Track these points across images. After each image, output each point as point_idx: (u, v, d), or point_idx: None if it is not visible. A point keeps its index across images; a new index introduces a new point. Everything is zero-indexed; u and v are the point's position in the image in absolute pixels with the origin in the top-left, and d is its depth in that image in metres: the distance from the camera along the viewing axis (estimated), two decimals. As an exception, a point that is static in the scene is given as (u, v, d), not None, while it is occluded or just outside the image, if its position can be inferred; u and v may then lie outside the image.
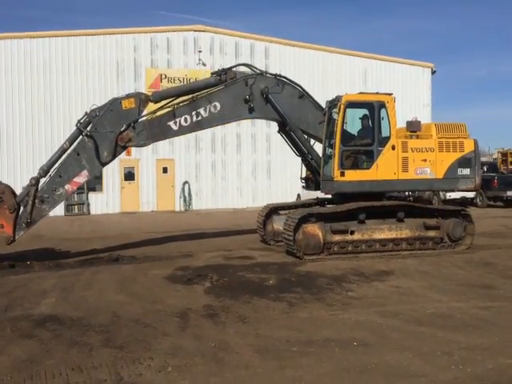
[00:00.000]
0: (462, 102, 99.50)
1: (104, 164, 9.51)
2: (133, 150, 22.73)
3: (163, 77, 22.89)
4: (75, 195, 21.68)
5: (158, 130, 9.81)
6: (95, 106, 9.51)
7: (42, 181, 9.24)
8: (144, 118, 9.69)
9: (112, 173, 22.32)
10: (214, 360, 4.51)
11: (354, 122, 10.35)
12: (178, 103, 10.01)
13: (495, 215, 17.45)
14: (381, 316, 5.77)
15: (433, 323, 5.48)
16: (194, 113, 9.89)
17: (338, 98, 9.95)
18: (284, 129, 10.89)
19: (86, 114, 9.47)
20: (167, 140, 22.74)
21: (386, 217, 9.83)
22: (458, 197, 18.54)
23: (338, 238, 9.46)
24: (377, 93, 10.33)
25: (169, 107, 9.96)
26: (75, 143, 9.36)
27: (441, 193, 18.77)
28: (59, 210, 21.29)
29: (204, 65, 23.36)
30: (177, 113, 9.83)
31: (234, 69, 10.43)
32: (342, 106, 9.67)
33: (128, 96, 9.72)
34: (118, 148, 9.49)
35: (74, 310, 6.12)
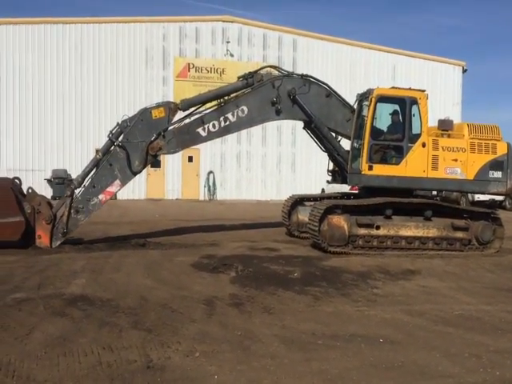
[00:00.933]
0: (494, 101, 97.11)
1: (136, 173, 9.66)
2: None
3: (191, 66, 23.04)
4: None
5: (188, 137, 9.90)
6: (126, 117, 9.68)
7: (77, 191, 9.49)
8: (173, 127, 9.79)
9: (139, 159, 22.63)
10: (241, 348, 4.57)
11: (383, 116, 10.24)
12: (206, 109, 10.12)
13: (525, 219, 17.05)
14: (407, 314, 5.74)
15: (461, 325, 5.43)
16: (222, 118, 9.95)
17: (369, 91, 9.86)
18: (309, 126, 10.87)
19: (118, 124, 9.64)
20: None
21: (413, 214, 9.72)
22: (487, 199, 18.19)
23: (363, 231, 9.41)
24: (409, 88, 10.18)
25: (197, 114, 10.07)
26: (108, 154, 9.55)
27: (469, 194, 18.46)
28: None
29: (232, 55, 23.41)
30: (205, 119, 9.92)
31: (260, 71, 10.46)
32: (373, 100, 9.58)
33: (158, 105, 9.84)
34: (149, 157, 9.64)
35: (103, 291, 6.25)
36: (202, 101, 10.31)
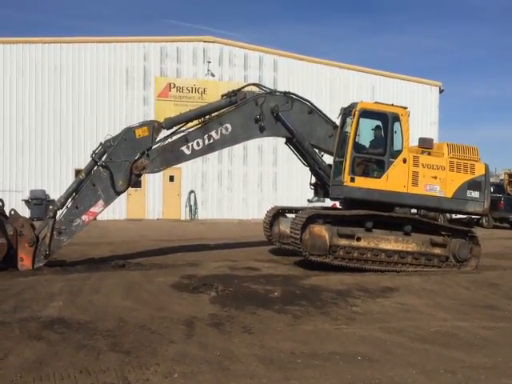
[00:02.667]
0: (469, 121, 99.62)
1: (119, 193, 9.63)
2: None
3: (172, 86, 23.16)
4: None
5: (172, 156, 9.94)
6: (109, 136, 9.69)
7: (59, 213, 9.41)
8: (157, 145, 9.83)
9: (119, 179, 22.51)
10: (220, 368, 4.56)
11: (366, 129, 10.44)
12: (189, 127, 10.19)
13: (501, 236, 17.45)
14: (385, 332, 5.80)
15: (437, 341, 5.51)
16: (206, 136, 10.03)
17: (353, 105, 10.06)
18: (291, 141, 11.04)
19: (101, 144, 9.64)
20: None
21: (393, 228, 9.86)
22: (464, 216, 18.54)
23: (344, 242, 9.49)
24: (392, 104, 10.40)
25: (181, 132, 10.14)
26: (91, 174, 9.52)
27: (446, 212, 18.78)
28: (65, 215, 21.55)
29: (213, 75, 23.62)
30: (189, 137, 9.98)
31: (244, 89, 10.60)
32: (356, 113, 9.78)
33: (141, 124, 9.87)
34: (133, 176, 9.64)
35: (81, 313, 6.18)
36: (186, 119, 10.38)
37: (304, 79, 24.37)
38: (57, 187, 21.47)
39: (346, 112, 10.28)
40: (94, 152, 9.59)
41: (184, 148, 9.94)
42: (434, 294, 7.87)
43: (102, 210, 9.68)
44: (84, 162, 20.46)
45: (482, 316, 6.63)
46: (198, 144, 9.99)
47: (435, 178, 10.03)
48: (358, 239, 9.56)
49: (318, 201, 12.60)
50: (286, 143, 11.44)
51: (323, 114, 10.98)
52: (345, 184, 9.68)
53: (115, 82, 22.64)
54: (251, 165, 24.26)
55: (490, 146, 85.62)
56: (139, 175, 9.84)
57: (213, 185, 23.80)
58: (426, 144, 10.31)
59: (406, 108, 10.18)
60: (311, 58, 25.10)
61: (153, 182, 22.91)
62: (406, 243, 9.77)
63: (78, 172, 21.91)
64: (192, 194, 23.29)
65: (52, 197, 21.37)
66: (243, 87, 10.82)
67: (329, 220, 9.53)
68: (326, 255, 9.36)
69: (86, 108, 22.17)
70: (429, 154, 10.24)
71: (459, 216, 18.46)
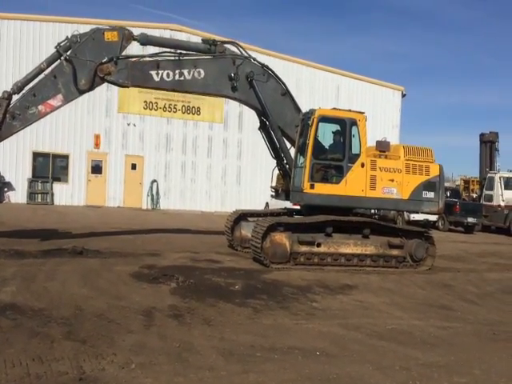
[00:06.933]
0: (430, 126, 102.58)
1: (81, 91, 9.49)
2: (101, 143, 22.49)
3: (137, 71, 22.65)
4: (39, 184, 21.19)
5: (140, 75, 9.90)
6: (77, 32, 9.51)
7: (15, 97, 9.12)
8: (127, 59, 9.79)
9: (79, 164, 21.92)
10: (179, 360, 4.50)
11: (325, 136, 10.55)
12: (163, 54, 10.20)
13: (456, 240, 18.04)
14: (343, 328, 5.89)
15: (393, 338, 5.64)
16: (177, 71, 10.04)
17: (311, 111, 10.12)
18: (265, 127, 11.05)
19: (67, 38, 9.43)
20: (137, 136, 22.84)
21: (352, 232, 10.02)
22: (421, 219, 19.06)
23: (304, 248, 9.59)
24: (349, 110, 10.53)
25: (154, 56, 10.10)
26: (53, 65, 9.32)
27: (405, 214, 19.27)
28: (21, 198, 20.80)
29: (179, 62, 23.30)
30: (161, 65, 9.97)
31: (225, 45, 10.60)
32: (315, 120, 9.84)
33: (112, 28, 9.79)
34: (97, 79, 9.54)
35: (35, 300, 5.98)
36: (161, 43, 10.40)
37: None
38: (12, 169, 20.73)
39: (305, 117, 10.32)
40: (58, 44, 9.40)
41: (153, 73, 9.91)
42: (391, 293, 8.05)
43: (60, 105, 9.50)
44: (42, 144, 19.77)
45: (437, 316, 6.83)
46: (168, 75, 9.99)
47: (392, 180, 10.24)
48: (319, 245, 9.67)
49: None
50: (259, 129, 11.41)
51: (295, 101, 11.02)
52: (304, 191, 9.76)
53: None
54: (215, 157, 24.11)
55: (449, 151, 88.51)
56: (103, 80, 9.71)
57: (176, 175, 23.52)
58: (382, 147, 10.48)
59: (363, 113, 10.32)
60: (278, 53, 25.06)
61: (114, 169, 22.46)
62: (364, 246, 9.96)
63: (35, 155, 21.37)
64: (154, 184, 22.95)
65: (7, 179, 20.62)
66: (225, 42, 10.76)
67: (289, 227, 9.57)
68: (286, 262, 9.41)
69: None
70: (386, 157, 10.42)
71: (417, 218, 18.96)
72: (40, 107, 9.11)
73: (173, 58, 10.13)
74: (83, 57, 9.35)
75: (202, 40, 10.71)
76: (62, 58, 9.27)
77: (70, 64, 9.26)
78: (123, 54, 9.95)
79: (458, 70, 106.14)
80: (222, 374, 4.29)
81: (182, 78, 10.06)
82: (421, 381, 4.48)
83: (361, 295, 7.72)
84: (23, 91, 9.21)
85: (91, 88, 9.59)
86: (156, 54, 10.30)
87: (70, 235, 11.53)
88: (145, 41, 10.10)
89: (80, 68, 9.32)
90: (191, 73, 10.09)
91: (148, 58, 10.09)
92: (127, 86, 10.28)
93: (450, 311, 7.19)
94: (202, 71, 10.16)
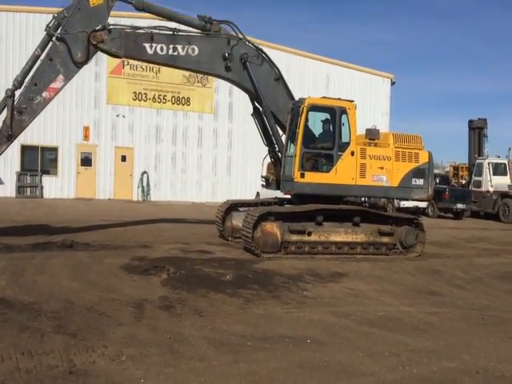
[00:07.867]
0: (419, 114, 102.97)
1: (79, 65, 9.41)
2: (91, 135, 22.29)
3: (126, 63, 22.40)
4: (28, 177, 21.01)
5: (133, 46, 9.83)
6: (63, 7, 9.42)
7: (18, 92, 9.04)
8: (121, 29, 9.79)
9: (68, 157, 21.75)
10: (169, 351, 4.51)
11: (314, 125, 10.53)
12: (157, 27, 10.12)
13: (445, 226, 18.20)
14: (334, 316, 5.92)
15: (383, 325, 5.68)
16: (171, 46, 9.99)
17: (301, 101, 10.10)
18: (258, 113, 11.03)
19: (54, 17, 9.33)
20: (127, 128, 22.68)
21: (342, 220, 10.06)
22: (411, 206, 19.17)
23: (295, 237, 9.61)
24: (339, 99, 10.51)
25: (148, 28, 10.02)
26: (47, 49, 9.21)
27: (395, 201, 19.36)
28: (10, 191, 20.61)
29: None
30: (155, 37, 9.92)
31: (220, 24, 10.52)
32: (304, 109, 9.82)
33: None
34: (91, 47, 9.45)
35: (24, 294, 5.94)
36: (157, 11, 10.29)
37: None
38: (1, 162, 20.52)
39: (295, 107, 10.29)
40: (47, 26, 9.30)
41: (147, 45, 9.85)
42: (381, 280, 8.11)
43: (64, 85, 9.43)
44: (31, 136, 19.54)
45: (426, 302, 6.89)
46: (161, 49, 9.94)
47: (382, 168, 10.27)
48: (309, 234, 9.70)
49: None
50: (252, 115, 11.37)
51: (288, 87, 10.98)
52: (295, 180, 9.76)
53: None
54: (206, 147, 24.04)
55: (438, 138, 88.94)
56: (97, 48, 9.63)
57: (166, 166, 23.42)
58: (372, 135, 10.49)
59: (352, 101, 10.31)
60: (267, 42, 24.89)
61: (104, 161, 22.32)
62: (355, 234, 10.01)
63: (23, 148, 21.13)
64: (145, 175, 22.86)
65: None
66: (221, 22, 10.68)
67: (280, 217, 9.58)
68: (277, 251, 9.44)
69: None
70: (375, 145, 10.44)
71: (407, 205, 19.08)
72: (44, 94, 9.03)
73: (167, 32, 10.06)
74: (74, 30, 9.23)
75: (198, 16, 10.57)
76: (54, 38, 9.15)
77: (63, 42, 9.17)
78: (118, 25, 9.88)
79: (447, 58, 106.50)
80: (213, 364, 4.30)
81: (175, 54, 10.02)
82: (410, 366, 4.52)
83: (351, 283, 7.77)
84: (24, 84, 9.09)
85: (88, 58, 9.52)
86: (150, 27, 10.20)
87: (59, 228, 11.45)
88: (141, 6, 9.96)
89: (73, 42, 9.22)
90: (185, 49, 10.05)
91: (142, 30, 9.98)
92: (120, 57, 10.21)
93: (440, 297, 7.26)
94: (196, 48, 10.13)
